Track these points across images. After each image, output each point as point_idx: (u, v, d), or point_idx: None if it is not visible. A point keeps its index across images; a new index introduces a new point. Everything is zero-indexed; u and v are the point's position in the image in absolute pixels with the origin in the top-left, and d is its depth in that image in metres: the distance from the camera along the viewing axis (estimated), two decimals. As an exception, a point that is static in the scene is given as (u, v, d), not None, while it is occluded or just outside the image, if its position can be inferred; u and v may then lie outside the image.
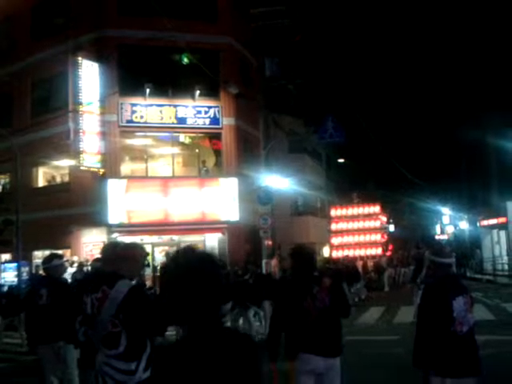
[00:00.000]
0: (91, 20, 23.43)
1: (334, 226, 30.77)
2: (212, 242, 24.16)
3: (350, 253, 28.73)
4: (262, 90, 28.94)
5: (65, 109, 23.40)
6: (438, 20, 70.21)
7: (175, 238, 24.08)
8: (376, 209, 30.86)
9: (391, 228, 47.95)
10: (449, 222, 59.84)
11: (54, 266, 6.97)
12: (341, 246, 29.98)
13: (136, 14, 23.42)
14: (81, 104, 22.33)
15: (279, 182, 24.71)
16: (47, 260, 7.10)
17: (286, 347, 5.17)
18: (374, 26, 71.33)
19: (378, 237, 30.36)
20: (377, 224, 30.64)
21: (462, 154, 44.40)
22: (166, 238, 24.31)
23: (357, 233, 30.20)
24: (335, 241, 30.31)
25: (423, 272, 15.44)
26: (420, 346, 4.71)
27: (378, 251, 30.00)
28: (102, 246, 22.34)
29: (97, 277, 4.57)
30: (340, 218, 30.79)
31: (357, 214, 30.58)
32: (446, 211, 57.49)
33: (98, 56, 23.19)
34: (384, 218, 34.22)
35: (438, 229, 66.29)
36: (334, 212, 31.14)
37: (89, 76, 22.76)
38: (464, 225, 47.51)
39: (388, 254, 33.10)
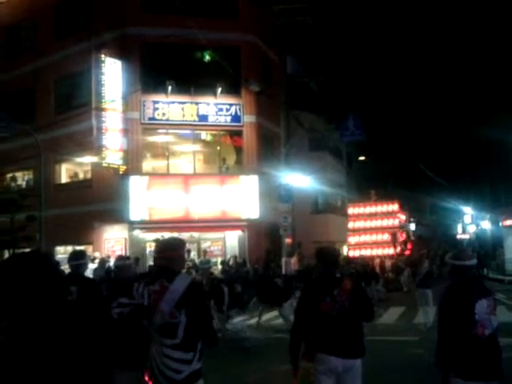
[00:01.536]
0: (114, 18, 23.61)
1: (351, 225, 29.87)
2: (232, 239, 24.23)
3: (368, 252, 28.09)
4: (283, 87, 28.89)
5: (88, 106, 23.62)
6: (461, 18, 69.48)
7: (195, 235, 24.18)
8: (394, 207, 29.92)
9: (412, 227, 47.62)
10: (471, 222, 59.28)
11: (82, 263, 6.99)
12: (358, 245, 29.22)
13: (158, 11, 23.56)
14: (103, 101, 22.51)
15: (300, 179, 24.67)
16: (73, 257, 7.00)
17: (306, 347, 5.19)
18: (397, 24, 70.78)
19: (396, 235, 29.45)
20: (395, 222, 29.68)
21: (485, 154, 43.94)
22: (186, 235, 24.37)
23: (374, 231, 29.33)
24: (352, 240, 29.45)
25: (420, 275, 15.52)
26: (442, 347, 4.69)
27: (397, 250, 29.09)
28: (122, 241, 22.71)
29: (155, 271, 4.72)
30: (357, 217, 29.92)
31: (374, 212, 29.70)
32: (468, 210, 56.95)
33: (120, 53, 23.37)
34: (403, 217, 33.24)
35: (459, 228, 65.72)
36: (351, 210, 30.20)
37: (111, 73, 22.94)
38: (486, 224, 47.01)
39: (407, 253, 31.79)
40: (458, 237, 61.45)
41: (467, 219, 60.16)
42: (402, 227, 31.35)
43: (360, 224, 29.49)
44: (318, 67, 31.95)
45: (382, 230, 29.16)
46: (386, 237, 28.93)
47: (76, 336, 2.27)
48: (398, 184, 47.79)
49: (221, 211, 23.44)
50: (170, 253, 4.50)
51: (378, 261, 27.57)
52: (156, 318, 4.23)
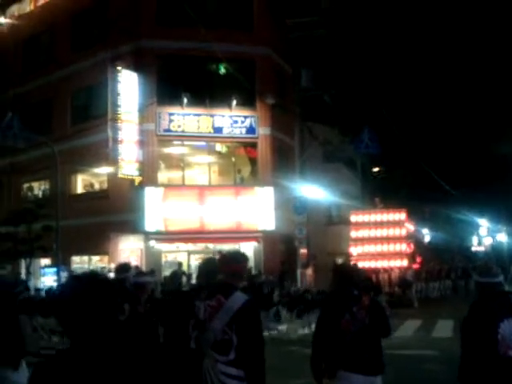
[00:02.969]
0: (130, 30, 23.81)
1: (353, 234, 26.74)
2: (247, 250, 24.19)
3: (372, 264, 25.60)
4: (297, 99, 29.01)
5: (104, 117, 23.81)
6: (480, 32, 69.34)
7: (210, 246, 24.24)
8: (402, 216, 27.14)
9: (427, 239, 47.32)
10: (486, 234, 58.86)
11: (128, 277, 6.41)
12: (361, 256, 26.26)
13: (173, 24, 23.77)
14: (120, 113, 22.70)
15: (314, 191, 24.68)
16: (120, 270, 6.54)
17: (326, 365, 5.19)
18: (413, 36, 70.78)
19: (403, 247, 26.56)
20: (402, 232, 26.88)
21: (501, 166, 43.68)
22: (201, 246, 24.49)
23: (379, 242, 26.43)
24: (354, 250, 26.50)
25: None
26: (464, 366, 4.61)
27: (404, 263, 26.24)
28: (138, 252, 22.77)
29: (213, 286, 4.65)
30: (361, 225, 27.03)
31: (380, 220, 26.83)
32: (484, 223, 56.54)
33: (136, 66, 23.59)
34: (411, 227, 30.31)
35: (474, 240, 65.25)
36: (354, 218, 27.14)
37: (127, 85, 23.14)
38: (502, 237, 46.64)
39: (415, 266, 29.37)
40: (473, 249, 60.99)
41: (483, 231, 59.75)
42: (410, 238, 28.49)
43: (364, 233, 26.79)
44: (331, 80, 32.03)
45: (388, 240, 26.44)
46: (392, 248, 26.45)
47: (131, 357, 2.34)
48: (412, 195, 47.54)
49: (236, 223, 23.48)
50: (235, 266, 4.46)
51: (385, 275, 25.95)
52: (208, 334, 4.23)
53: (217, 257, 6.78)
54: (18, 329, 7.15)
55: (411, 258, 28.16)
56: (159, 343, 5.26)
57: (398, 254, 26.06)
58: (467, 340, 4.58)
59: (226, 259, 4.62)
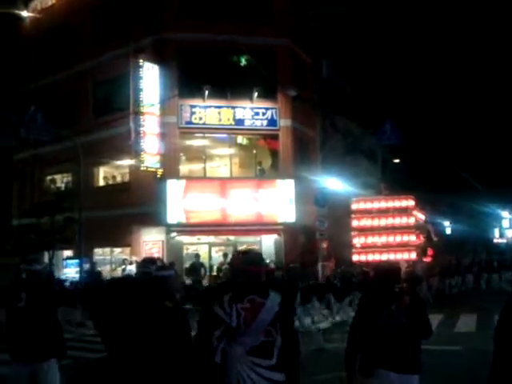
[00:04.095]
0: (151, 23, 23.90)
1: (355, 223, 23.36)
2: (268, 243, 24.26)
3: (376, 257, 22.32)
4: (318, 90, 28.88)
5: (126, 110, 23.93)
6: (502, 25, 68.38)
7: (232, 238, 24.30)
8: (409, 202, 23.63)
9: (448, 231, 46.98)
10: (508, 226, 58.30)
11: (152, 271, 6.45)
12: (364, 249, 23.15)
13: (195, 16, 23.77)
14: (142, 105, 22.79)
15: (335, 183, 24.56)
16: (144, 264, 6.36)
17: (362, 362, 5.15)
18: (439, 29, 70.04)
19: (411, 238, 22.90)
20: (410, 221, 23.21)
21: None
22: (222, 238, 24.54)
23: (384, 232, 23.00)
24: (357, 241, 23.16)
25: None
26: (495, 374, 4.35)
27: (412, 256, 22.57)
28: (160, 244, 22.90)
29: (240, 287, 4.27)
30: (363, 214, 23.48)
31: (385, 208, 23.39)
32: (506, 214, 55.97)
33: (158, 58, 23.63)
34: (422, 216, 26.61)
35: (496, 232, 64.65)
36: (355, 205, 23.65)
37: (149, 78, 23.21)
38: (526, 229, 46.17)
39: (427, 259, 25.96)
40: (495, 241, 60.44)
41: (505, 223, 59.21)
42: (420, 228, 25.06)
43: (367, 222, 23.54)
44: (352, 71, 31.86)
45: (394, 230, 23.06)
46: (399, 239, 22.92)
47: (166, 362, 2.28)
48: (433, 187, 47.20)
49: (257, 215, 23.49)
50: (257, 267, 4.23)
51: None
52: (247, 339, 3.94)
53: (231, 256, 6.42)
54: (58, 321, 7.27)
55: (422, 250, 24.94)
56: (191, 340, 4.94)
57: (406, 246, 22.74)
58: (500, 345, 4.00)
59: (249, 260, 4.28)
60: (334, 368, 6.19)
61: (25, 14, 29.10)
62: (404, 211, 23.04)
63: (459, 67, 77.75)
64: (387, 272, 5.33)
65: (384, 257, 21.93)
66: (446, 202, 47.46)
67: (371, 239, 22.84)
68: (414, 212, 23.70)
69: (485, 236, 60.38)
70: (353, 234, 23.13)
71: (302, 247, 24.29)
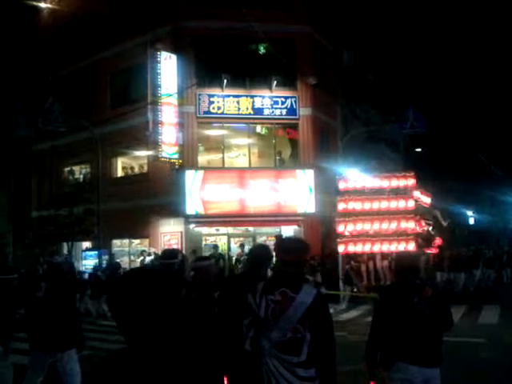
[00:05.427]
0: (168, 12, 23.60)
1: (341, 206, 19.63)
2: (288, 234, 23.92)
3: (366, 248, 19.00)
4: (339, 78, 28.38)
5: (144, 100, 23.74)
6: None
7: (251, 229, 24.02)
8: (409, 182, 19.59)
9: (471, 221, 46.24)
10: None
11: (174, 263, 6.18)
12: (353, 237, 19.31)
13: (213, 5, 23.41)
14: (159, 95, 22.54)
15: (356, 173, 24.09)
16: (166, 256, 6.32)
17: (382, 355, 4.99)
18: (463, 13, 68.77)
19: (410, 225, 18.97)
20: (409, 205, 19.14)
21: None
22: (241, 229, 24.27)
23: (376, 218, 19.09)
24: (343, 228, 19.39)
25: None
26: None
27: (410, 246, 18.43)
28: (178, 235, 22.72)
29: (275, 277, 4.10)
30: (350, 196, 19.64)
31: (378, 187, 19.59)
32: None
33: (175, 47, 23.35)
34: (426, 199, 22.08)
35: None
36: (343, 185, 20.08)
37: (167, 68, 22.95)
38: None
39: (432, 251, 21.46)
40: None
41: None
42: (423, 213, 20.99)
43: (356, 205, 19.45)
44: (374, 57, 31.30)
45: (389, 215, 19.02)
46: (395, 226, 18.96)
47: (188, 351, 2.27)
48: (456, 176, 46.49)
49: (276, 205, 23.16)
50: (302, 255, 4.02)
51: (385, 262, 19.26)
52: (274, 334, 3.80)
53: (272, 241, 6.34)
54: (77, 312, 7.38)
55: (425, 240, 20.65)
56: (217, 329, 4.77)
57: (403, 235, 18.87)
58: None
59: (291, 248, 4.02)
60: (356, 361, 5.95)
61: (43, 5, 29.06)
62: (402, 192, 19.40)
63: (481, 55, 76.40)
64: (409, 263, 5.09)
65: (376, 247, 18.92)
66: (470, 191, 46.69)
67: (361, 226, 19.21)
68: (416, 194, 19.99)
69: (508, 227, 59.42)
70: (338, 219, 19.57)
71: (322, 238, 23.96)
